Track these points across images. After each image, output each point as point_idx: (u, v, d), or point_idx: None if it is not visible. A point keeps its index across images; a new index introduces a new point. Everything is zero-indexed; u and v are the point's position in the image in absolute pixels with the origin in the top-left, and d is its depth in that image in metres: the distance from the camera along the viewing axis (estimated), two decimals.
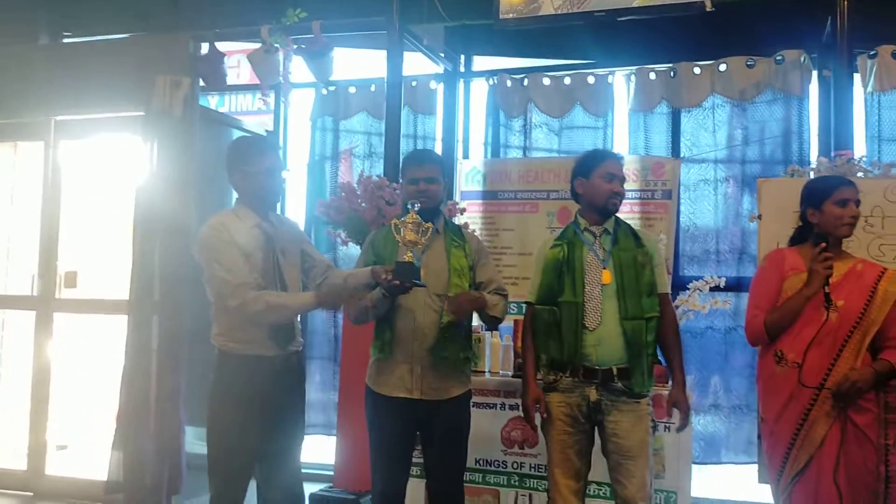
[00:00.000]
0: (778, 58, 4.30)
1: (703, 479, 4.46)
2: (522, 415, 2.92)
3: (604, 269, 2.80)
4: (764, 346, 2.83)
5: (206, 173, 4.56)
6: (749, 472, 4.00)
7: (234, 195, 3.01)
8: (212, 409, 2.82)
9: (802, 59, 4.27)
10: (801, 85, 4.29)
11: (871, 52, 4.13)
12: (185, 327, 4.20)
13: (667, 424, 3.46)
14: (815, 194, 2.82)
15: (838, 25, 3.84)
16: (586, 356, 2.76)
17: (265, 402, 2.81)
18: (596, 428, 2.82)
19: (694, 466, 3.89)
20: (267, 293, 2.80)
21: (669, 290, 2.92)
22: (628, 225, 2.94)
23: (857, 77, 4.15)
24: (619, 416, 2.74)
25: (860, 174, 3.51)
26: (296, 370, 2.97)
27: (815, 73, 4.30)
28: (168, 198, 4.40)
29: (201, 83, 4.63)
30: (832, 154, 3.71)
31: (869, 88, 4.15)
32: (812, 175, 3.60)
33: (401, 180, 3.11)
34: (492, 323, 3.03)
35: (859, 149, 4.05)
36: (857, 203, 2.77)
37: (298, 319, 3.04)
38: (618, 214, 2.94)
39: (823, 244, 2.68)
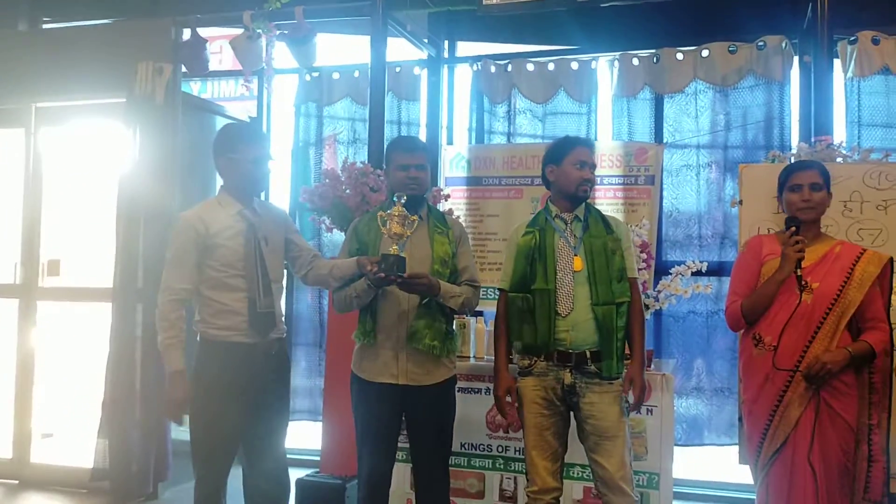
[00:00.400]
0: (759, 44, 4.33)
1: (686, 460, 4.54)
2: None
3: (575, 255, 2.83)
4: (745, 330, 2.87)
5: (189, 160, 4.56)
6: (730, 453, 4.06)
7: (219, 181, 3.02)
8: (194, 396, 2.83)
9: (784, 44, 4.30)
10: (783, 71, 4.32)
11: (852, 38, 4.16)
12: None
13: (649, 407, 3.50)
14: (779, 182, 2.89)
15: (819, 11, 3.86)
16: (560, 341, 2.79)
17: (246, 389, 2.83)
18: (571, 412, 2.86)
19: (676, 448, 3.95)
20: (178, 319, 2.80)
21: (637, 275, 2.96)
22: (598, 211, 2.98)
23: (837, 63, 4.19)
24: (593, 397, 2.78)
25: (839, 159, 3.55)
26: (278, 357, 2.99)
27: (796, 59, 4.33)
28: (151, 185, 4.38)
29: (183, 69, 4.61)
30: (812, 139, 3.74)
31: (849, 74, 4.18)
32: (792, 160, 3.64)
33: (385, 166, 3.10)
34: (453, 312, 3.02)
35: (839, 134, 4.09)
36: (815, 186, 2.78)
37: (281, 307, 3.05)
38: (603, 200, 2.96)
39: (793, 228, 2.72)
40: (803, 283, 2.68)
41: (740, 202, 3.63)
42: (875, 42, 4.12)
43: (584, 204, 2.93)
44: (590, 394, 2.78)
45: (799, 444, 2.66)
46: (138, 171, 4.41)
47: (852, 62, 4.16)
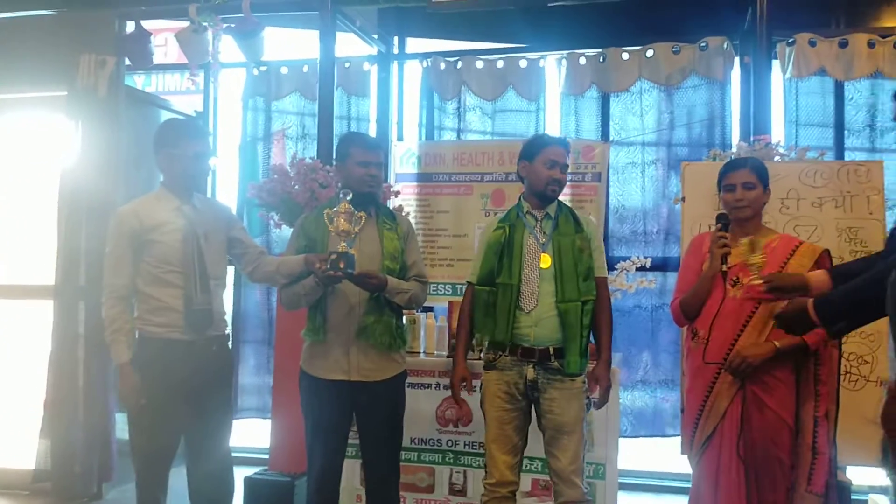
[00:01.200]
0: (702, 44, 4.44)
1: (631, 451, 4.63)
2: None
3: (543, 252, 2.86)
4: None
5: (134, 154, 4.47)
6: (674, 444, 4.16)
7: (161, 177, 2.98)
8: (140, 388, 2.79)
9: (725, 45, 4.42)
10: (724, 71, 4.43)
11: (790, 40, 4.29)
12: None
13: (595, 400, 3.56)
14: (717, 181, 2.94)
15: (758, 14, 3.98)
16: (524, 337, 2.83)
17: (186, 387, 2.80)
18: (532, 404, 2.90)
19: (622, 440, 4.04)
20: (120, 314, 2.79)
21: (606, 274, 2.99)
22: (570, 209, 3.00)
23: (776, 64, 4.32)
24: (554, 393, 2.82)
25: (777, 158, 3.67)
26: (220, 355, 2.97)
27: (737, 60, 4.45)
28: (93, 179, 4.30)
29: (127, 62, 4.52)
30: (751, 138, 3.86)
31: (787, 75, 4.32)
32: (733, 158, 3.74)
33: (338, 161, 3.07)
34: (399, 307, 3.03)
35: (778, 133, 4.22)
36: (747, 185, 2.81)
37: (223, 304, 3.02)
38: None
39: (719, 225, 2.80)
40: (734, 278, 2.74)
41: (683, 199, 3.72)
42: (812, 44, 4.26)
43: (556, 202, 2.96)
44: (551, 390, 2.83)
45: (727, 435, 2.73)
46: (80, 165, 4.32)
47: (790, 63, 4.29)
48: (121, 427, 4.33)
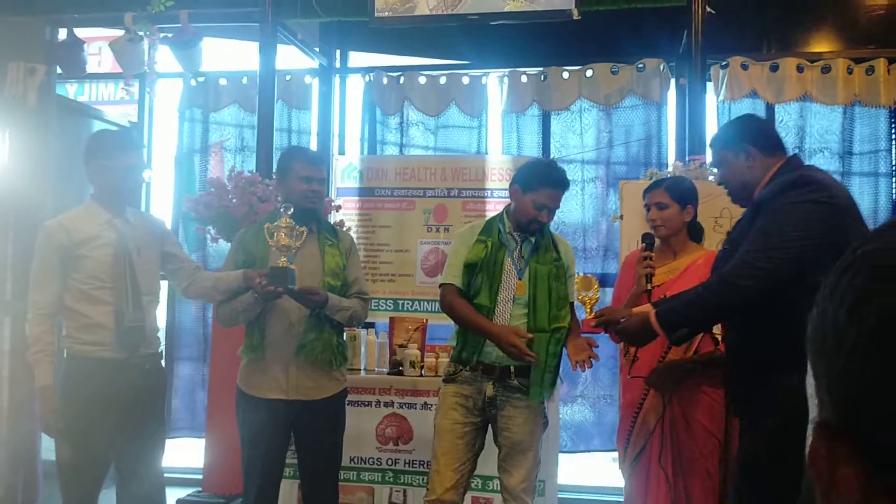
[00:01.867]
0: (640, 65, 4.53)
1: (572, 467, 4.67)
2: (514, 350, 2.70)
3: (519, 280, 2.84)
4: None
5: (65, 165, 4.33)
6: (615, 457, 4.20)
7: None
8: (60, 413, 2.69)
9: (662, 67, 4.52)
10: (661, 92, 4.54)
11: (723, 63, 4.42)
12: None
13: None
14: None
15: (693, 37, 4.08)
16: (487, 353, 2.82)
17: (116, 407, 2.71)
18: (489, 421, 2.88)
19: (564, 455, 4.06)
20: (45, 333, 2.69)
21: (575, 300, 2.95)
22: (552, 234, 2.97)
23: (710, 86, 4.44)
24: (512, 411, 2.82)
25: (711, 178, 3.75)
26: (152, 374, 2.89)
27: (673, 81, 4.56)
28: (21, 191, 4.15)
29: (59, 71, 4.39)
30: (687, 158, 3.95)
31: (721, 97, 4.44)
32: (668, 177, 3.82)
33: (279, 175, 3.02)
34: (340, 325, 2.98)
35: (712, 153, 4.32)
36: (661, 205, 2.89)
37: (156, 321, 2.94)
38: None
39: (643, 245, 2.86)
40: (662, 297, 2.79)
41: (621, 217, 3.78)
42: (744, 67, 4.39)
43: None
44: (509, 408, 2.82)
45: (654, 449, 2.80)
46: (8, 176, 4.16)
47: (724, 86, 4.41)
48: (47, 447, 4.16)
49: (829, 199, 2.10)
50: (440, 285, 2.94)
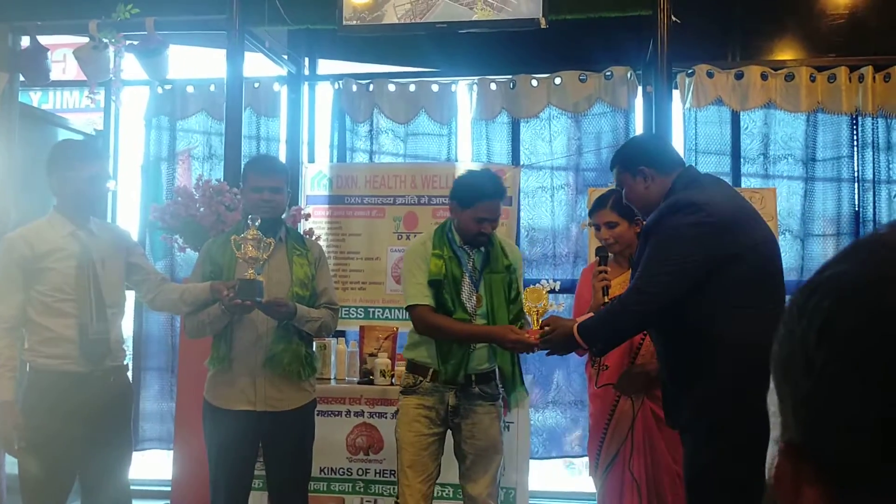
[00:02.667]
0: (607, 73, 4.57)
1: (543, 473, 4.67)
2: (525, 349, 2.74)
3: (476, 293, 2.85)
4: None
5: (28, 175, 4.25)
6: (586, 463, 4.22)
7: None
8: (22, 427, 2.64)
9: (629, 75, 4.57)
10: (628, 99, 4.58)
11: (689, 71, 4.47)
12: None
13: (506, 424, 3.58)
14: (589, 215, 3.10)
15: (659, 45, 4.12)
16: (473, 366, 2.83)
17: (82, 421, 2.67)
18: (450, 430, 2.88)
19: (535, 461, 4.06)
20: (6, 348, 2.65)
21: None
22: (499, 241, 2.97)
23: (677, 94, 4.49)
24: (476, 418, 2.83)
25: None
26: (117, 386, 2.85)
27: (640, 89, 4.61)
28: None
29: (22, 78, 4.32)
30: None
31: (687, 104, 4.50)
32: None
33: (241, 186, 3.02)
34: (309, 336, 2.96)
35: None
36: (610, 224, 2.96)
37: (121, 333, 2.90)
38: None
39: (598, 258, 2.89)
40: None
41: (590, 224, 3.80)
42: (710, 75, 4.45)
43: None
44: (472, 414, 2.83)
45: (626, 455, 2.85)
46: None
47: (690, 94, 4.47)
48: (12, 461, 4.07)
49: (707, 217, 2.19)
50: (410, 307, 2.85)
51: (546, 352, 2.70)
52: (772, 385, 0.53)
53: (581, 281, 3.15)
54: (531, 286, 2.86)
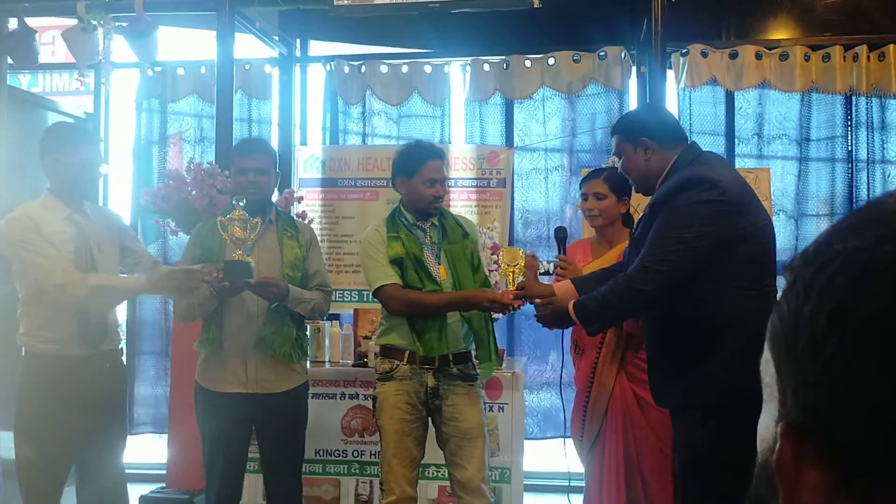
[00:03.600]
0: (601, 53, 4.54)
1: (540, 453, 4.69)
2: (502, 308, 2.72)
3: (439, 265, 2.84)
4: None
5: (17, 158, 4.22)
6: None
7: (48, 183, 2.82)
8: (19, 413, 2.66)
9: (623, 55, 4.54)
10: (622, 80, 4.55)
11: (684, 51, 4.45)
12: None
13: (500, 405, 3.59)
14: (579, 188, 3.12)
15: (654, 25, 4.10)
16: (451, 341, 2.81)
17: (78, 406, 2.66)
18: (431, 416, 2.85)
19: (530, 442, 4.07)
20: (90, 275, 2.65)
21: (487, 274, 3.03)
22: (452, 215, 2.98)
23: (671, 73, 4.47)
24: (456, 399, 2.80)
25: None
26: (113, 371, 2.84)
27: (634, 69, 4.58)
28: None
29: (9, 61, 4.27)
30: None
31: (681, 84, 4.48)
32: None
33: (229, 170, 3.01)
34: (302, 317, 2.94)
35: None
36: (598, 196, 2.95)
37: (116, 316, 2.89)
38: (458, 202, 3.01)
39: (557, 240, 2.93)
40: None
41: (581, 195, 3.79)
42: (704, 55, 4.43)
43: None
44: (452, 395, 2.79)
45: (609, 436, 2.86)
46: None
47: (684, 73, 4.45)
48: (6, 447, 4.07)
49: (720, 196, 2.15)
50: (377, 289, 2.79)
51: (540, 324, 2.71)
52: (767, 355, 0.51)
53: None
54: (507, 246, 2.86)
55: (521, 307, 2.76)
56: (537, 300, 2.55)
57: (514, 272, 2.72)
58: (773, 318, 0.50)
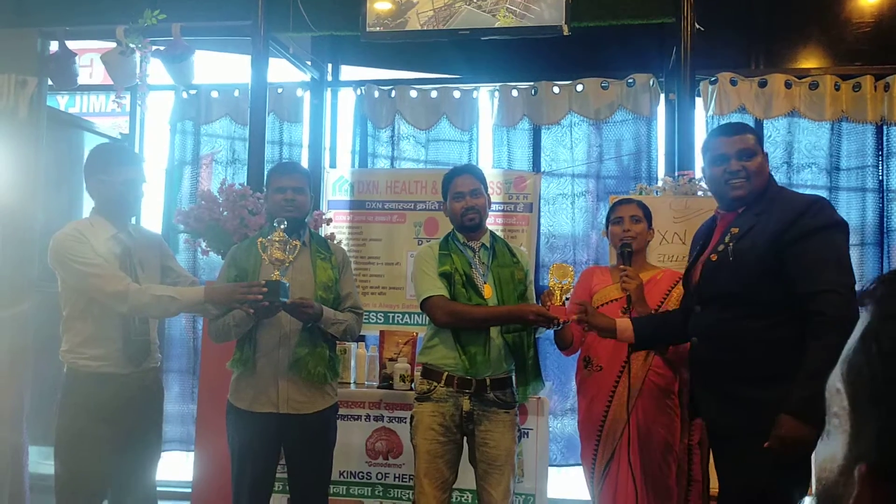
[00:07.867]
0: (629, 80, 4.56)
1: (563, 480, 4.66)
2: (548, 322, 2.76)
3: (485, 283, 2.87)
4: (579, 353, 3.07)
5: (55, 177, 4.32)
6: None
7: (86, 202, 2.89)
8: (60, 430, 2.67)
9: (651, 82, 4.56)
10: (650, 107, 4.57)
11: (712, 79, 4.45)
12: (29, 342, 3.94)
13: (525, 430, 3.58)
14: (606, 217, 3.11)
15: (682, 53, 4.11)
16: (491, 365, 2.82)
17: (118, 424, 2.69)
18: (465, 437, 2.87)
19: (554, 469, 4.04)
20: (151, 285, 2.71)
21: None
22: (504, 240, 3.05)
23: (700, 101, 4.47)
24: (490, 425, 2.81)
25: (700, 193, 3.78)
26: (153, 389, 2.87)
27: (662, 96, 4.59)
28: (11, 203, 4.13)
29: (50, 83, 4.38)
30: (676, 173, 3.97)
31: (710, 112, 4.48)
32: (658, 193, 3.84)
33: (264, 191, 3.06)
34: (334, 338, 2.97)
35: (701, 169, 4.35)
36: (634, 218, 2.96)
37: (156, 335, 2.93)
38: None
39: (620, 255, 2.91)
40: (626, 307, 2.79)
41: (612, 221, 3.79)
42: (733, 83, 4.43)
43: (489, 232, 2.99)
44: (486, 422, 2.81)
45: (622, 454, 2.84)
46: None
47: (713, 101, 4.45)
48: (35, 461, 4.12)
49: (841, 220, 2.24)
50: (425, 300, 2.86)
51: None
52: (839, 385, 0.51)
53: (578, 282, 3.10)
54: (558, 262, 2.88)
55: (566, 322, 2.77)
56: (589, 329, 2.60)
57: (562, 288, 2.74)
58: (855, 351, 0.50)
